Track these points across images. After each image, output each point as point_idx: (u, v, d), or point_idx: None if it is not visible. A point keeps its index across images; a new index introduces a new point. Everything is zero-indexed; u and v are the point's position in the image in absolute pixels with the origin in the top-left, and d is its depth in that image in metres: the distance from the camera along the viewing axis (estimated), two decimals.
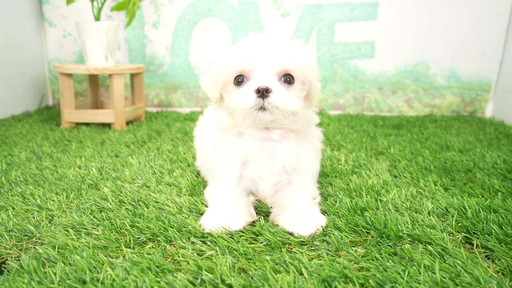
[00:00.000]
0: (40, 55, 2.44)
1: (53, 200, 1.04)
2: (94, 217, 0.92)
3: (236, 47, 0.89)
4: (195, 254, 0.77)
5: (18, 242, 0.84)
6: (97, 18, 1.98)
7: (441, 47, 2.34)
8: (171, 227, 0.87)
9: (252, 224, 0.91)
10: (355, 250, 0.79)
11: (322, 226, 0.88)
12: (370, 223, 0.88)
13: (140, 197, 1.04)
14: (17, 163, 1.35)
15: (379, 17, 2.31)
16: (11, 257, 0.79)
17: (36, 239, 0.86)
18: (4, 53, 2.11)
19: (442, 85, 2.40)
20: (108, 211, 0.96)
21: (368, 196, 1.04)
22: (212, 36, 2.39)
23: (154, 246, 0.81)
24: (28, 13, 2.31)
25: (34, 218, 0.94)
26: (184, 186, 1.13)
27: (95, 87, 2.23)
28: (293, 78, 0.88)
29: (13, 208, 0.99)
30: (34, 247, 0.82)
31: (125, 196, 1.05)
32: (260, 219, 0.91)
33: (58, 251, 0.78)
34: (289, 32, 2.37)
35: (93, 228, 0.88)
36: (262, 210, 0.98)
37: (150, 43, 2.42)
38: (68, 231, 0.86)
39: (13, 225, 0.89)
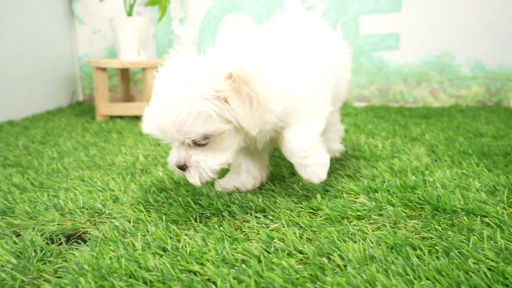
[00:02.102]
0: (70, 52, 2.50)
1: (111, 183, 1.09)
2: (157, 196, 0.97)
3: (145, 112, 0.83)
4: (262, 226, 0.81)
5: (90, 218, 0.89)
6: (129, 14, 2.04)
7: (465, 38, 2.35)
8: (233, 203, 0.91)
9: (309, 200, 0.94)
10: (413, 223, 0.82)
11: None
12: (423, 199, 0.91)
13: None
14: (66, 152, 1.41)
15: (403, 8, 2.34)
16: (88, 230, 0.84)
17: (106, 215, 0.91)
18: (37, 51, 2.17)
19: (467, 76, 2.41)
20: (168, 191, 1.00)
21: (414, 177, 1.07)
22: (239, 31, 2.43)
23: (219, 221, 0.86)
24: (59, 11, 2.38)
25: (99, 197, 0.99)
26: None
27: (126, 81, 2.29)
28: (204, 139, 0.81)
29: (76, 189, 1.04)
30: (108, 222, 0.87)
31: (181, 178, 1.09)
32: (317, 195, 0.95)
33: (132, 225, 0.83)
34: None
35: (159, 205, 0.92)
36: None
37: (177, 38, 2.47)
38: (136, 208, 0.91)
39: (83, 203, 0.94)
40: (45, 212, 0.91)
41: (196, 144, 0.81)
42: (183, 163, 0.83)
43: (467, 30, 2.33)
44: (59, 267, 0.70)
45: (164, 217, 0.85)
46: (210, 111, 0.77)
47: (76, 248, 0.77)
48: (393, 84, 2.46)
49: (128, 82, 2.30)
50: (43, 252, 0.74)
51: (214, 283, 0.62)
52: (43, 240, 0.79)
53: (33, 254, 0.73)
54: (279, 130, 0.94)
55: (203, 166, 0.83)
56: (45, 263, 0.72)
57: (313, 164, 0.91)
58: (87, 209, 0.92)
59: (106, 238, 0.76)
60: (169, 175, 1.13)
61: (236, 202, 0.92)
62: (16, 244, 0.77)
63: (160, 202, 0.94)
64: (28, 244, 0.76)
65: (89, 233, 0.81)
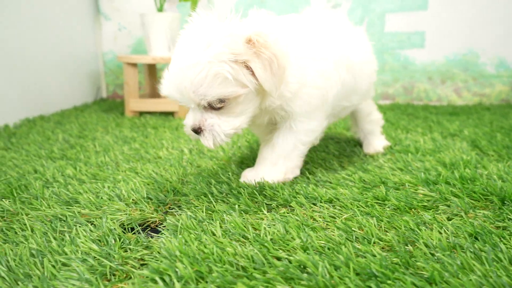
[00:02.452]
0: (95, 48, 2.51)
1: (166, 175, 1.09)
2: (220, 187, 0.97)
3: (165, 74, 0.85)
4: (333, 215, 0.82)
5: (157, 207, 0.89)
6: (160, 9, 2.04)
7: (490, 36, 2.35)
8: (298, 194, 0.91)
9: (371, 191, 0.95)
10: (483, 213, 0.83)
11: None
12: (486, 190, 0.91)
13: None
14: (108, 145, 1.41)
15: (430, 6, 2.34)
16: (157, 220, 0.84)
17: (171, 205, 0.91)
18: (63, 47, 2.18)
19: (491, 74, 2.41)
20: (229, 183, 1.00)
21: (467, 169, 1.08)
22: None
23: (288, 211, 0.86)
24: (84, 7, 2.38)
25: (159, 188, 0.99)
26: None
27: (152, 78, 2.29)
28: (219, 102, 0.82)
29: (132, 181, 1.04)
30: (175, 212, 0.87)
31: (235, 173, 1.09)
32: (381, 186, 0.95)
33: (207, 214, 0.83)
34: None
35: (223, 196, 0.92)
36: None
37: None
38: (203, 199, 0.91)
39: (146, 193, 0.94)
40: (109, 202, 0.91)
41: (212, 107, 0.83)
42: (198, 126, 0.85)
43: (493, 29, 2.33)
44: (144, 254, 0.70)
45: (236, 206, 0.85)
46: (227, 73, 0.78)
47: (152, 236, 0.78)
48: (418, 82, 2.47)
49: (154, 78, 2.31)
50: (122, 240, 0.75)
51: (307, 269, 0.62)
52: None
53: (113, 241, 0.73)
54: (277, 118, 0.98)
55: (217, 130, 0.85)
56: (126, 251, 0.72)
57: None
58: (151, 199, 0.92)
59: (186, 226, 0.76)
60: (222, 168, 1.13)
61: (301, 192, 0.92)
62: (93, 232, 0.77)
63: (225, 193, 0.94)
64: (107, 232, 0.76)
65: (166, 222, 0.81)
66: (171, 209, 0.89)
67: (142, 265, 0.68)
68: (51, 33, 2.06)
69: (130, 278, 0.64)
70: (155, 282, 0.59)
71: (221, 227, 0.77)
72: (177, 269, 0.61)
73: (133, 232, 0.80)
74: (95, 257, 0.68)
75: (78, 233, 0.77)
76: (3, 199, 0.93)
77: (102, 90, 2.61)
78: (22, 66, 1.83)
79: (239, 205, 0.86)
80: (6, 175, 1.09)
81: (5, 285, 0.60)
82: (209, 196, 0.92)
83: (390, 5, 2.36)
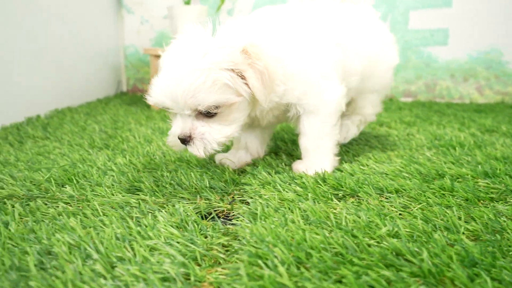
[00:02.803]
0: (116, 42, 2.49)
1: (219, 166, 1.08)
2: (282, 176, 0.96)
3: (154, 82, 0.85)
4: (404, 205, 0.81)
5: (222, 197, 0.88)
6: (187, 2, 2.03)
7: None
8: (364, 184, 0.91)
9: (434, 182, 0.94)
10: None
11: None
12: None
13: None
14: (146, 136, 1.40)
15: (454, 4, 2.34)
16: (224, 208, 0.84)
17: (233, 195, 0.90)
18: (86, 40, 2.16)
19: None
20: (288, 172, 0.99)
21: None
22: None
23: (355, 202, 0.85)
24: (108, 1, 2.36)
25: (217, 178, 0.98)
26: None
27: None
28: (215, 108, 0.83)
29: (186, 170, 1.03)
30: (245, 199, 0.86)
31: (288, 164, 1.09)
32: (445, 177, 0.95)
33: (279, 202, 0.82)
34: None
35: (288, 185, 0.92)
36: None
37: None
38: (268, 188, 0.90)
39: (208, 183, 0.93)
40: (172, 190, 0.90)
41: (206, 114, 0.83)
42: (189, 134, 0.84)
43: None
44: (228, 240, 0.69)
45: (309, 194, 0.84)
46: (226, 80, 0.81)
47: (226, 224, 0.77)
48: (440, 79, 2.47)
49: None
50: (199, 226, 0.74)
51: (402, 255, 0.62)
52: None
53: (193, 227, 0.72)
54: (285, 108, 0.98)
55: (208, 138, 0.85)
56: (206, 237, 0.71)
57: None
58: (214, 189, 0.92)
59: (265, 213, 0.76)
60: (276, 159, 1.12)
61: (366, 183, 0.91)
62: (170, 218, 0.76)
63: (288, 183, 0.93)
64: (185, 219, 0.75)
65: (235, 210, 0.80)
66: (235, 198, 0.89)
67: (226, 251, 0.67)
68: (76, 27, 2.04)
69: (220, 263, 0.63)
70: (259, 266, 0.58)
71: (291, 211, 0.76)
72: (275, 254, 0.60)
73: (207, 219, 0.79)
74: (178, 242, 0.67)
75: (157, 218, 0.76)
76: (64, 186, 0.92)
77: (123, 84, 2.60)
78: (51, 60, 1.81)
79: (307, 194, 0.86)
80: (58, 163, 1.07)
81: (102, 268, 0.58)
82: (274, 185, 0.91)
83: (415, 2, 2.36)
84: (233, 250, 0.66)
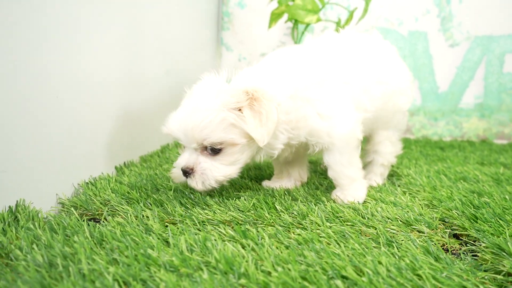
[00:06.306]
0: None
1: None
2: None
3: (171, 115, 0.97)
4: None
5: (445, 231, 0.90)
6: (297, 42, 2.13)
7: None
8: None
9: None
10: None
11: None
12: None
13: None
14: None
15: None
16: (445, 243, 0.85)
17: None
18: (185, 74, 2.26)
19: None
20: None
21: None
22: None
23: None
24: (207, 38, 2.50)
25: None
26: None
27: None
28: (219, 145, 0.92)
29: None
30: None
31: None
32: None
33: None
34: (456, 62, 2.45)
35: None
36: None
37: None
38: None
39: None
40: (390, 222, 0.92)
41: (212, 150, 0.92)
42: (191, 167, 0.93)
43: None
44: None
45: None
46: (232, 120, 0.90)
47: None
48: None
49: None
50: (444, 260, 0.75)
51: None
52: None
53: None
54: (299, 146, 1.04)
55: (208, 174, 0.93)
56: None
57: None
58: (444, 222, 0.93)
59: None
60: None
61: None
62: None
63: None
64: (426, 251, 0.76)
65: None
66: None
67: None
68: (173, 63, 2.12)
69: None
70: None
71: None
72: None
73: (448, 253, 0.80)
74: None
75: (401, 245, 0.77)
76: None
77: None
78: (156, 92, 1.88)
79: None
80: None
81: None
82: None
83: (511, 46, 2.39)
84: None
